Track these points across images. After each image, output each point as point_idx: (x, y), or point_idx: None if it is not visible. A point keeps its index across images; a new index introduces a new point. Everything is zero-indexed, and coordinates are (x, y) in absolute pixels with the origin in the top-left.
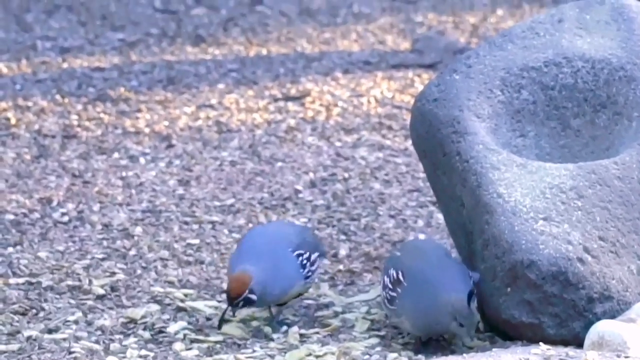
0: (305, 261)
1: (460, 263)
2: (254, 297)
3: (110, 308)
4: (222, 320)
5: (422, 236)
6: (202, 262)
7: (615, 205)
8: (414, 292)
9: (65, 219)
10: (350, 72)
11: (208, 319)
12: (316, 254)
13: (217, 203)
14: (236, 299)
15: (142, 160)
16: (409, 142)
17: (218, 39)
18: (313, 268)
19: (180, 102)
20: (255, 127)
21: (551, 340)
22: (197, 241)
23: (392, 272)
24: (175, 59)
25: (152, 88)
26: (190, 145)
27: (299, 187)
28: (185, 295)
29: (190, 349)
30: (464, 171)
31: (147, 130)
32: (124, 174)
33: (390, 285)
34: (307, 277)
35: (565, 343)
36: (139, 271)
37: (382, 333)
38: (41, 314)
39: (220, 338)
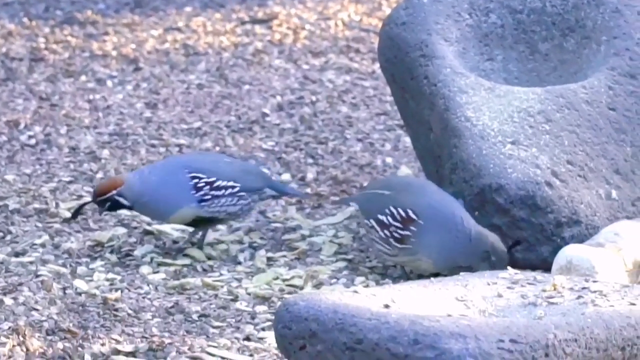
0: (203, 184)
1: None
2: (124, 201)
3: (77, 231)
4: (77, 212)
5: (405, 171)
6: None
7: (583, 130)
8: (436, 230)
9: (33, 141)
10: None
11: (175, 242)
12: (228, 182)
13: (184, 126)
14: (99, 196)
15: (109, 83)
16: (377, 66)
17: None
18: (215, 194)
19: (148, 25)
20: (222, 50)
21: (519, 264)
22: None
23: (395, 210)
24: None
25: (119, 11)
26: (158, 68)
27: (267, 111)
28: None
29: (157, 272)
30: (431, 95)
31: (114, 53)
32: (91, 97)
33: (397, 224)
34: (201, 201)
35: (533, 267)
36: None
37: (349, 257)
38: (8, 237)
39: (187, 261)
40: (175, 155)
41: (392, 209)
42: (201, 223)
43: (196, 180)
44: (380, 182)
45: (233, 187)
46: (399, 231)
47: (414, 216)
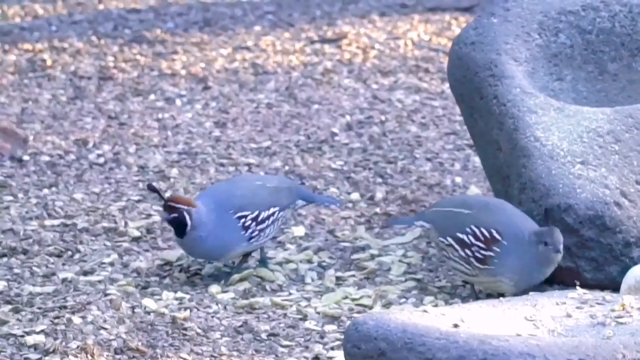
0: (249, 222)
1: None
2: (188, 221)
3: (146, 250)
4: (154, 190)
5: (474, 190)
6: None
7: None
8: (518, 250)
9: (101, 160)
10: (387, 15)
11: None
12: (269, 211)
13: (253, 145)
14: (172, 202)
15: (178, 102)
16: (446, 85)
17: None
18: (260, 227)
19: (217, 44)
20: (291, 69)
21: (588, 284)
22: None
23: (477, 229)
24: (211, 1)
25: (188, 30)
26: (227, 87)
27: (335, 130)
28: None
29: (226, 291)
30: (501, 115)
31: (183, 72)
32: (159, 115)
33: (479, 244)
34: (250, 239)
35: (602, 287)
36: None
37: (418, 276)
38: (76, 256)
39: (256, 280)
40: (215, 189)
41: (474, 228)
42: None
43: (243, 220)
44: (454, 200)
45: (273, 213)
46: (482, 251)
47: (498, 236)
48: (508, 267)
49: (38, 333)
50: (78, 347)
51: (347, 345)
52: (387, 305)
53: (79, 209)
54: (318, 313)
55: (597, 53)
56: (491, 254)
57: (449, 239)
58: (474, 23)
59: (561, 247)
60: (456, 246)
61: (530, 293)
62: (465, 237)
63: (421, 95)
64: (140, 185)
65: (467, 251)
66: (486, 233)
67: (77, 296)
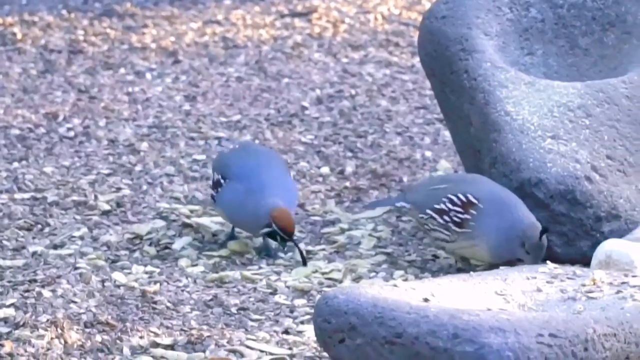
0: None
1: None
2: None
3: (116, 224)
4: (304, 259)
5: (444, 165)
6: (208, 178)
7: (623, 124)
8: (495, 214)
9: (71, 134)
10: None
11: (214, 235)
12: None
13: (223, 119)
14: None
15: (148, 75)
16: (416, 59)
17: None
18: None
19: (187, 18)
20: (261, 43)
21: (559, 259)
22: (203, 157)
23: (454, 196)
24: None
25: (158, 3)
26: (197, 61)
27: (306, 104)
28: (191, 211)
29: (195, 265)
30: (471, 89)
31: (153, 45)
32: (130, 89)
33: (457, 208)
34: None
35: (573, 262)
36: (144, 187)
37: (388, 250)
38: (46, 230)
39: (225, 254)
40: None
41: (450, 196)
42: None
43: None
44: (434, 179)
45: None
46: (459, 215)
47: (474, 200)
48: (484, 231)
49: (8, 307)
50: (48, 320)
51: (318, 320)
52: (357, 279)
53: (49, 183)
54: (288, 287)
55: (569, 27)
56: (468, 216)
57: (428, 211)
58: None
59: (539, 260)
60: (435, 215)
61: (501, 267)
62: (443, 206)
63: (391, 69)
64: (110, 159)
65: (446, 217)
66: (462, 197)
67: (47, 270)
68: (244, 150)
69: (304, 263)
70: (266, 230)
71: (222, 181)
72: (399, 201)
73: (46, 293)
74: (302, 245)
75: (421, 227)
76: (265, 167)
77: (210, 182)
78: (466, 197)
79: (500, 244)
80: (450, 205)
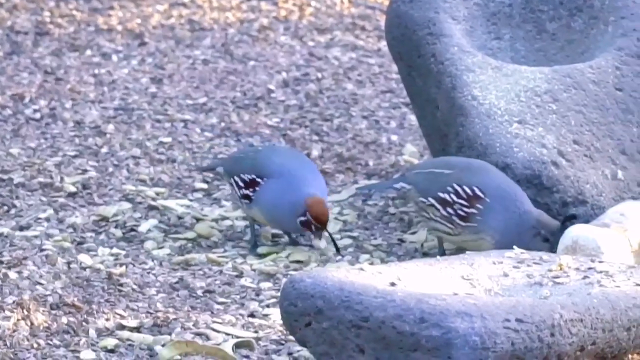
0: None
1: None
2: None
3: (82, 206)
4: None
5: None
6: (173, 161)
7: (590, 110)
8: (501, 209)
9: (38, 115)
10: None
11: (179, 217)
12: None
13: (189, 101)
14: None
15: (114, 57)
16: (383, 43)
17: None
18: None
19: (153, 0)
20: (228, 26)
21: None
22: (169, 139)
23: (460, 187)
24: None
25: None
26: (163, 43)
27: (272, 87)
28: (157, 193)
29: (161, 247)
30: (438, 73)
31: (119, 27)
32: (96, 71)
33: (462, 202)
34: None
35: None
36: (110, 169)
37: (354, 234)
38: (12, 211)
39: (191, 236)
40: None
41: (455, 186)
42: None
43: None
44: (436, 162)
45: None
46: (465, 209)
47: (480, 194)
48: (491, 225)
49: None
50: (14, 302)
51: (284, 303)
52: (323, 262)
53: (15, 164)
54: (254, 270)
55: (536, 12)
56: (474, 211)
57: (430, 199)
58: None
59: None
60: (438, 206)
61: (467, 252)
62: (447, 196)
63: (358, 53)
64: (76, 140)
65: (450, 209)
66: (468, 190)
67: (13, 251)
68: (275, 150)
69: (337, 251)
70: (301, 219)
71: (259, 180)
72: (397, 182)
73: (12, 275)
74: (267, 228)
75: (417, 212)
76: (301, 164)
77: (234, 185)
78: (472, 191)
79: (510, 237)
80: (455, 197)
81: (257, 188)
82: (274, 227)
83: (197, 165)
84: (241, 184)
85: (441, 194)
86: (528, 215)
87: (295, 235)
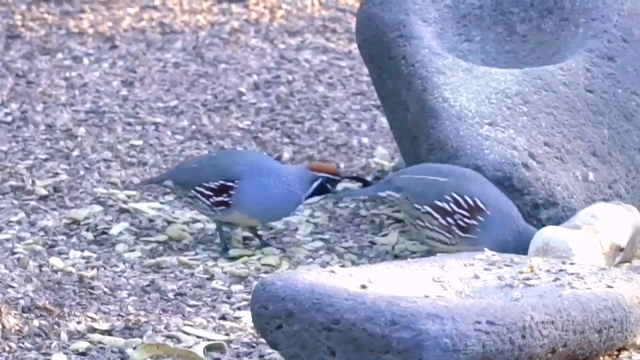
0: None
1: None
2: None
3: (53, 209)
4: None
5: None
6: (145, 164)
7: (561, 111)
8: (500, 222)
9: (9, 119)
10: None
11: (151, 220)
12: None
13: (160, 104)
14: (314, 170)
15: (85, 60)
16: (353, 45)
17: None
18: None
19: (124, 3)
20: (198, 29)
21: None
22: (140, 142)
23: (460, 197)
24: None
25: None
26: (134, 46)
27: (243, 90)
28: (128, 196)
29: (133, 250)
30: (409, 75)
31: (90, 31)
32: (67, 74)
33: (463, 212)
34: None
35: None
36: (82, 172)
37: (325, 237)
38: None
39: (163, 239)
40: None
41: (455, 196)
42: None
43: None
44: (425, 168)
45: None
46: (465, 220)
47: (482, 206)
48: (490, 238)
49: None
50: None
51: (255, 306)
52: (294, 265)
53: None
54: (225, 273)
55: (506, 14)
56: (474, 222)
57: (426, 207)
58: None
59: None
60: (436, 214)
61: (438, 255)
62: (446, 205)
63: (328, 56)
64: (48, 143)
65: (449, 219)
66: (470, 201)
67: None
68: (228, 154)
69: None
70: (315, 185)
71: (230, 184)
72: (383, 190)
73: None
74: (238, 230)
75: (411, 220)
76: (260, 158)
77: (198, 196)
78: (474, 202)
79: (507, 252)
80: (455, 207)
81: (231, 192)
82: (262, 223)
83: (142, 181)
84: (208, 192)
85: (439, 203)
86: (528, 232)
87: (266, 238)
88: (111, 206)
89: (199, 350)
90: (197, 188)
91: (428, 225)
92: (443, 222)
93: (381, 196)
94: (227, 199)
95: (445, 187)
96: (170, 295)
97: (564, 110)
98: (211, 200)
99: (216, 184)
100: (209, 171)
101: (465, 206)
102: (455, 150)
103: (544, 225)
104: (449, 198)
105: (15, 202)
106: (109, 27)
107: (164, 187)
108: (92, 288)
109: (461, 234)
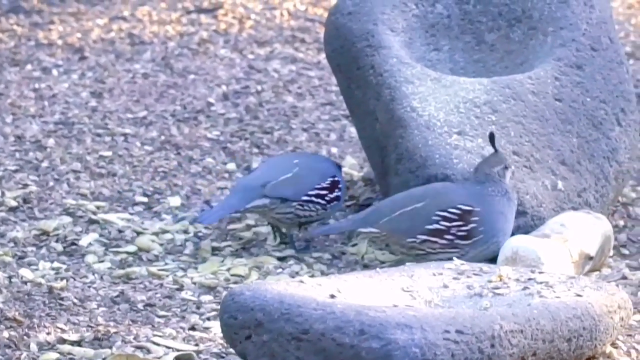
0: None
1: None
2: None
3: (23, 220)
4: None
5: (350, 161)
6: (114, 175)
7: (529, 120)
8: (492, 210)
9: None
10: None
11: (120, 231)
12: None
13: (129, 115)
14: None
15: (54, 72)
16: (322, 55)
17: None
18: None
19: (93, 14)
20: (167, 40)
21: None
22: (109, 153)
23: (446, 212)
24: None
25: (65, 0)
26: (103, 57)
27: (212, 100)
28: (98, 207)
29: (102, 261)
30: (377, 85)
31: (59, 42)
32: (36, 85)
33: (457, 223)
34: None
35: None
36: (51, 183)
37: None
38: None
39: (132, 250)
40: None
41: (440, 213)
42: None
43: None
44: (396, 202)
45: None
46: (463, 228)
47: (468, 207)
48: (497, 224)
49: None
50: None
51: (224, 316)
52: (264, 275)
53: None
54: (194, 283)
55: (475, 23)
56: (472, 225)
57: (419, 236)
58: None
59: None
60: (433, 239)
61: (407, 264)
62: (437, 226)
63: (297, 66)
64: (17, 155)
65: (447, 236)
66: (455, 210)
67: None
68: (305, 154)
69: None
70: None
71: (337, 179)
72: (363, 226)
73: None
74: (207, 241)
75: (404, 251)
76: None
77: (312, 198)
78: (459, 209)
79: (509, 226)
80: (447, 223)
81: (339, 186)
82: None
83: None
84: (323, 192)
85: (429, 227)
86: (510, 193)
87: (235, 248)
88: (80, 217)
89: None
90: (309, 192)
91: (430, 250)
92: (443, 242)
93: (363, 232)
94: (339, 193)
95: (426, 210)
96: (140, 305)
97: (533, 119)
98: (326, 198)
99: (326, 183)
100: (309, 174)
101: (455, 217)
102: (424, 160)
103: (513, 234)
104: (437, 218)
105: None
106: (78, 38)
107: (248, 212)
108: (62, 299)
109: (466, 242)
